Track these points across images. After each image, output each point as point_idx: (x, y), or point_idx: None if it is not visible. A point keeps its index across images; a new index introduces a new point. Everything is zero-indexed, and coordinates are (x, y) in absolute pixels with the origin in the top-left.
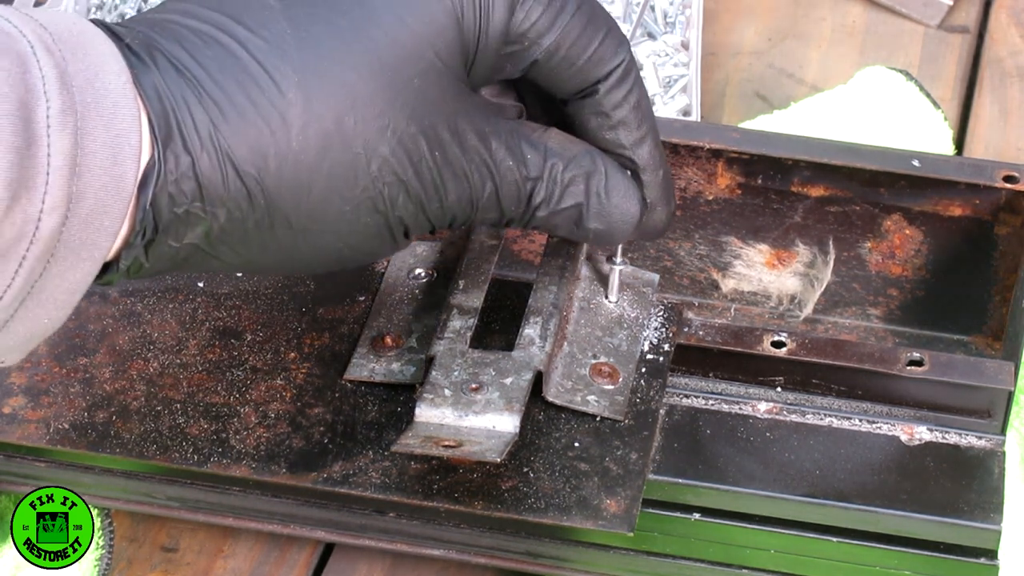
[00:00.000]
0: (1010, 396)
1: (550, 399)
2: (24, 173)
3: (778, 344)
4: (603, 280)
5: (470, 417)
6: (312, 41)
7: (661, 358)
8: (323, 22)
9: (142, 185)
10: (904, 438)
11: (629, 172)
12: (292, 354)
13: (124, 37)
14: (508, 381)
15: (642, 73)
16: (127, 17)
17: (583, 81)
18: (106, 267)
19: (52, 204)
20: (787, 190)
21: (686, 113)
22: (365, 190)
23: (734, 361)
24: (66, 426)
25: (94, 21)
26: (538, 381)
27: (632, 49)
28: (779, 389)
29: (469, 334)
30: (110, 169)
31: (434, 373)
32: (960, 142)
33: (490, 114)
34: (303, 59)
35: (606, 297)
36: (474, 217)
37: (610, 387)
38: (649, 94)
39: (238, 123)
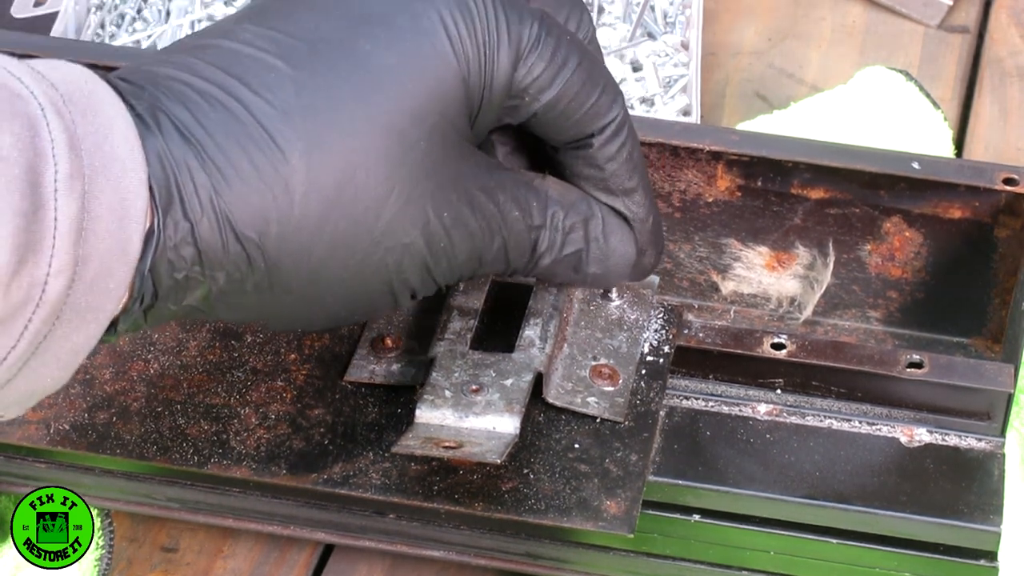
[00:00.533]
0: (1010, 398)
1: (550, 400)
2: (31, 237)
3: (778, 346)
4: None
5: (470, 418)
6: (317, 106)
7: (661, 360)
8: (328, 86)
9: (142, 252)
10: (904, 440)
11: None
12: (292, 355)
13: (128, 97)
14: (508, 382)
15: (642, 73)
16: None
17: (578, 133)
18: None
19: (58, 268)
20: (787, 192)
21: (686, 113)
22: (368, 255)
23: (734, 363)
24: (66, 427)
25: (100, 75)
26: (538, 382)
27: (632, 51)
28: (779, 391)
29: (469, 335)
30: (116, 233)
31: (434, 374)
32: (960, 142)
33: (493, 167)
34: (307, 124)
35: (606, 297)
36: (477, 272)
37: (610, 389)
38: (649, 94)
39: (240, 188)
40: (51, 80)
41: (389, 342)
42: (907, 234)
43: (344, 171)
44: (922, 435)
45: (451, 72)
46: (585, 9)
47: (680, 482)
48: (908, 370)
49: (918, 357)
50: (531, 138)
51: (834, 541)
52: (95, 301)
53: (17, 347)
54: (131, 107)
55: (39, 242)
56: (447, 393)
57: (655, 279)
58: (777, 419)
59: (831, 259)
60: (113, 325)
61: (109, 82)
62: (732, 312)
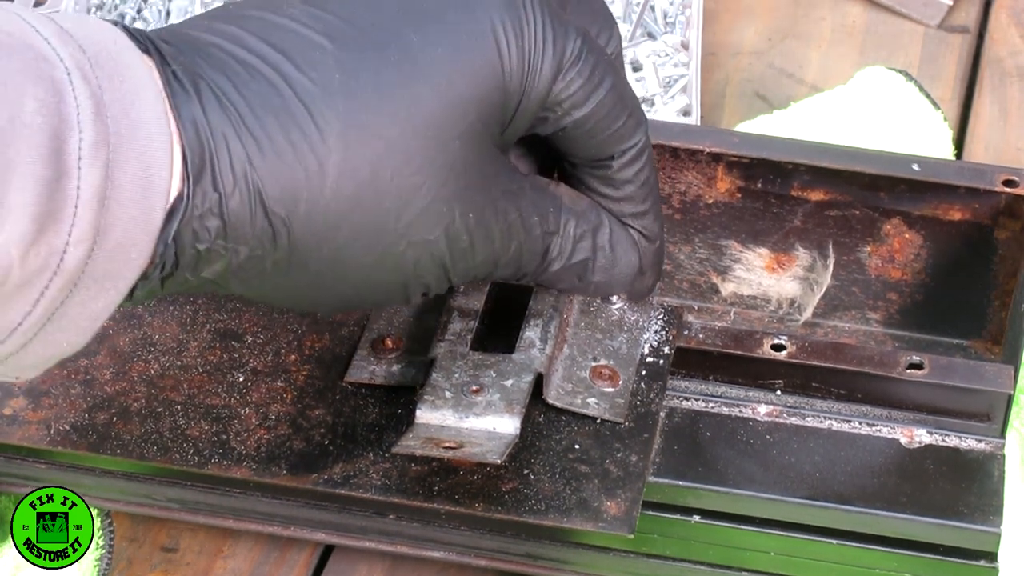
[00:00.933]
0: (1009, 399)
1: (550, 401)
2: (53, 206)
3: (778, 347)
4: None
5: (471, 419)
6: (359, 90)
7: (661, 361)
8: (372, 71)
9: (167, 219)
10: (904, 441)
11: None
12: (293, 356)
13: (169, 60)
14: (509, 383)
15: (642, 73)
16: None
17: (600, 153)
18: None
19: (79, 237)
20: (787, 194)
21: (686, 113)
22: (390, 246)
23: (734, 364)
24: (67, 427)
25: (139, 34)
26: (538, 383)
27: (632, 51)
28: (779, 392)
29: (470, 336)
30: (139, 202)
31: (435, 375)
32: (960, 142)
33: (515, 173)
34: (348, 107)
35: (606, 300)
36: (491, 275)
37: (610, 389)
38: (649, 94)
39: (274, 162)
40: (78, 40)
41: (389, 343)
42: (907, 236)
43: (379, 158)
44: (922, 436)
45: (494, 77)
46: (615, 25)
47: (680, 483)
48: (908, 371)
49: (918, 358)
50: (544, 144)
51: (834, 542)
52: (115, 269)
53: (33, 313)
54: (172, 71)
55: (60, 211)
56: (447, 394)
57: None
58: (777, 420)
59: (831, 261)
60: (130, 291)
61: (151, 40)
62: (732, 313)
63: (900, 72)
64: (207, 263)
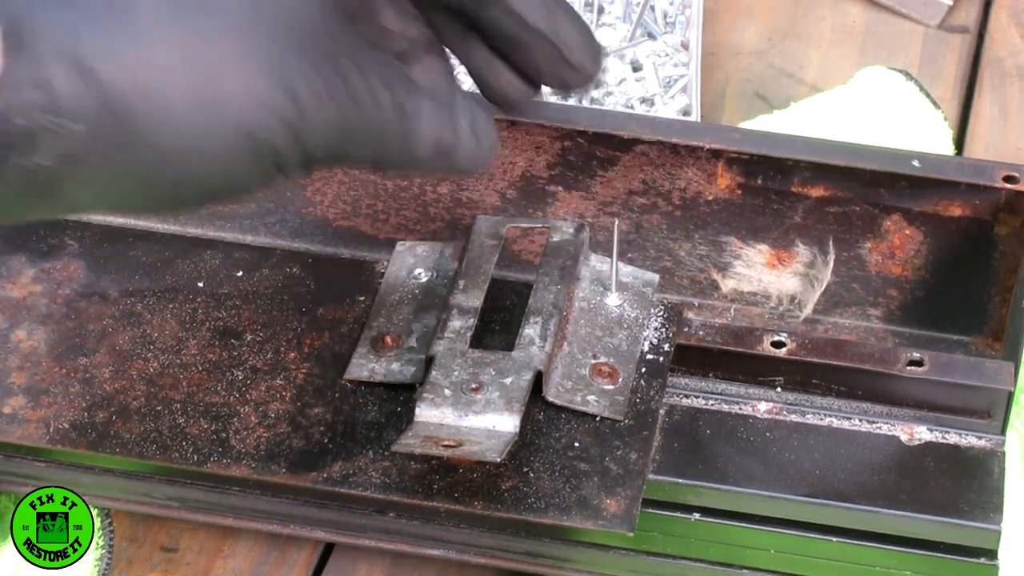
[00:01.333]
0: (1010, 396)
1: (550, 399)
2: None
3: (778, 344)
4: (603, 280)
5: (470, 417)
6: None
7: (661, 358)
8: None
9: None
10: (904, 438)
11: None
12: (292, 354)
13: None
14: (508, 381)
15: (642, 73)
16: None
17: None
18: None
19: None
20: (787, 190)
21: (686, 113)
22: (233, 109)
23: (734, 361)
24: (66, 426)
25: None
26: (538, 381)
27: (632, 51)
28: (779, 389)
29: (469, 334)
30: None
31: (434, 373)
32: (960, 142)
33: (365, 47)
34: None
35: (606, 295)
36: (347, 151)
37: (610, 387)
38: (649, 94)
39: (97, 31)
40: None
41: (389, 340)
42: (907, 232)
43: (208, 19)
44: (922, 433)
45: None
46: None
47: (680, 480)
48: (908, 368)
49: (918, 355)
50: (451, 21)
51: (834, 539)
52: None
53: None
54: None
55: None
56: (447, 392)
57: (655, 277)
58: (777, 417)
59: (831, 257)
60: None
61: None
62: (732, 310)
63: (900, 72)
64: (42, 142)
